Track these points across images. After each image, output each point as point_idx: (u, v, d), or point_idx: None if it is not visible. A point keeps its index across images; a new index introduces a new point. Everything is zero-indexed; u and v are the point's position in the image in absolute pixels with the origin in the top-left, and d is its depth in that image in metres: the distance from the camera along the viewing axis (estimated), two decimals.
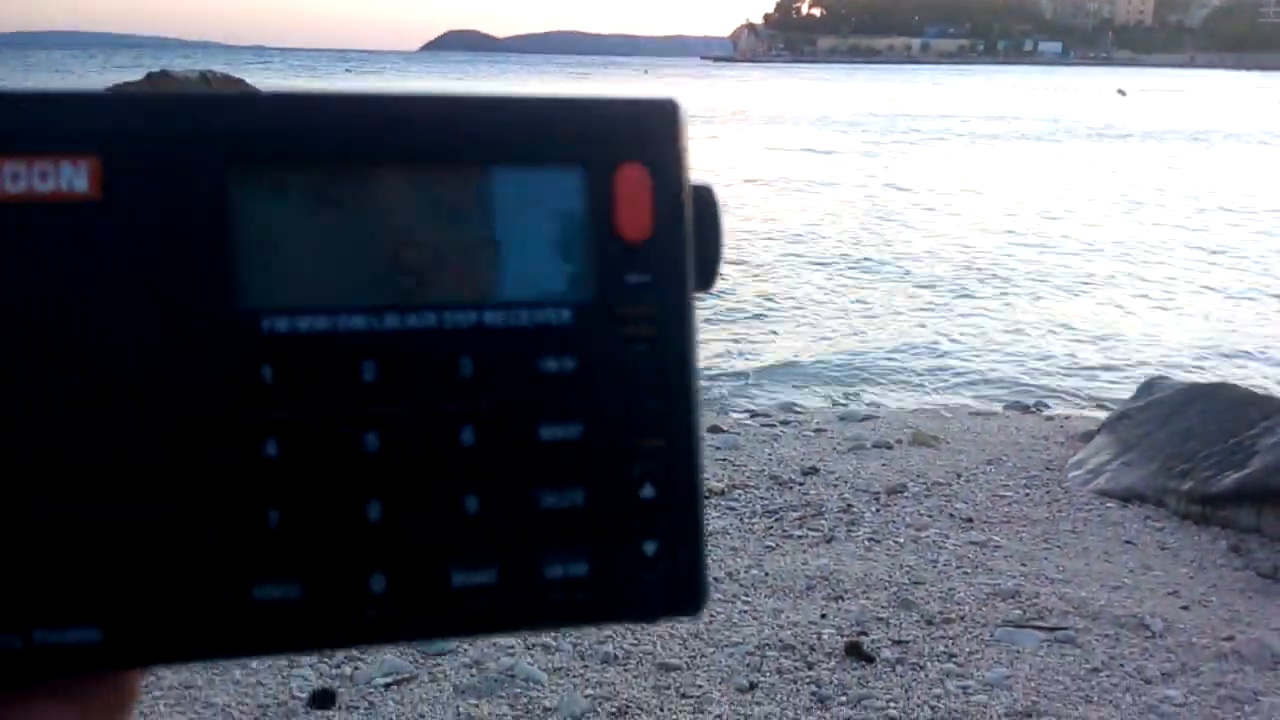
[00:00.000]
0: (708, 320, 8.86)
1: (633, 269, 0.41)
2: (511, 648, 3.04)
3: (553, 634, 3.10)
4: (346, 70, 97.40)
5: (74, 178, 0.36)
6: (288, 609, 0.38)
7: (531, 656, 3.01)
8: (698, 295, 0.43)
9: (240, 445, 0.37)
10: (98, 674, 0.37)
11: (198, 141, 0.37)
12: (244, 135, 0.38)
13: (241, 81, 23.79)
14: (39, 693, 0.36)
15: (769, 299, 9.83)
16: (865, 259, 11.87)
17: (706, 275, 0.43)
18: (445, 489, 0.39)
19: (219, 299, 0.37)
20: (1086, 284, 10.88)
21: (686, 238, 0.42)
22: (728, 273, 10.67)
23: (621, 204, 0.41)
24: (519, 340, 0.40)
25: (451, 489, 0.39)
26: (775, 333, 8.73)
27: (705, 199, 0.43)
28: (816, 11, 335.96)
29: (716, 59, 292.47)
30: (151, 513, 0.37)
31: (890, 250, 12.39)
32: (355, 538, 0.38)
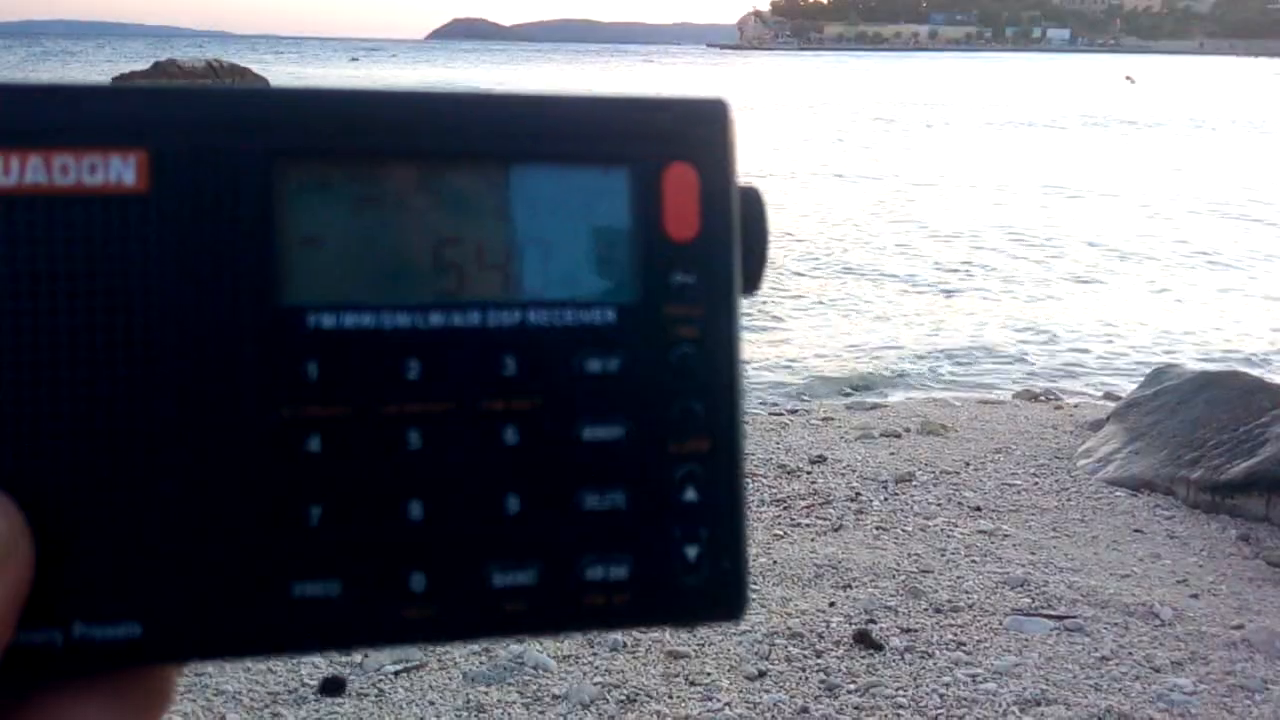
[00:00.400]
0: None
1: (679, 269, 0.41)
2: None
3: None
4: (352, 60, 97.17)
5: (123, 171, 0.36)
6: (327, 607, 0.38)
7: (540, 644, 3.01)
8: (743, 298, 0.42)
9: (283, 441, 0.37)
10: (137, 669, 0.37)
11: (245, 136, 0.37)
12: (291, 130, 0.38)
13: (248, 71, 23.82)
14: (78, 687, 0.36)
15: (778, 288, 9.83)
16: (871, 247, 11.85)
17: (752, 277, 0.43)
18: (487, 488, 0.39)
19: (265, 294, 0.37)
20: (1095, 273, 10.85)
21: (734, 239, 0.42)
22: None
23: (669, 203, 0.41)
24: (563, 339, 0.40)
25: (493, 489, 0.39)
26: (781, 324, 8.72)
27: (752, 200, 0.42)
28: None
29: (722, 46, 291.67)
30: (193, 508, 0.37)
31: (896, 237, 12.37)
32: (396, 536, 0.38)
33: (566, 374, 0.40)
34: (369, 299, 0.38)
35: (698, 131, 0.41)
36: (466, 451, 0.39)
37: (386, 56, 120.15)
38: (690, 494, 0.41)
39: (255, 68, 24.65)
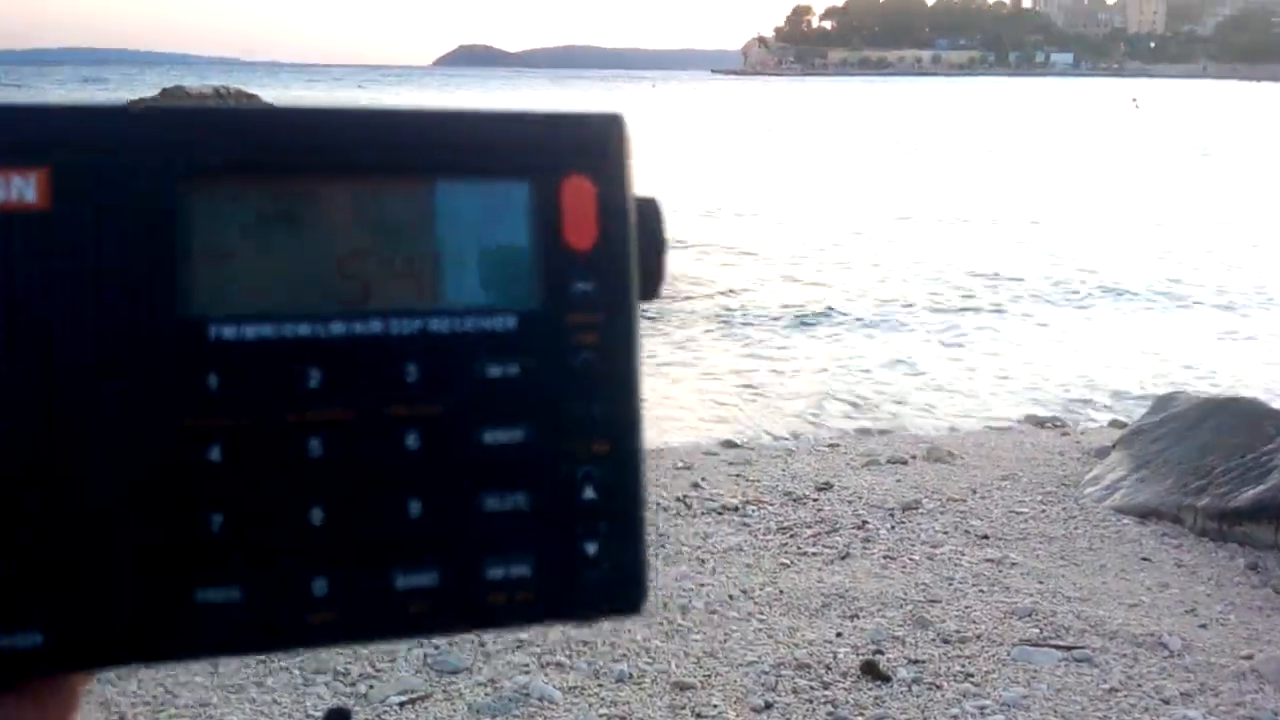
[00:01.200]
0: (728, 335, 8.89)
1: (578, 277, 0.42)
2: (526, 666, 3.04)
3: (566, 654, 3.10)
4: (359, 87, 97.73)
5: (23, 189, 0.36)
6: (230, 612, 0.38)
7: (546, 675, 3.00)
8: (642, 305, 0.44)
9: (185, 450, 0.38)
10: (40, 678, 0.37)
11: (147, 153, 0.38)
12: (193, 148, 0.38)
13: (255, 97, 23.92)
14: None
15: (793, 306, 9.84)
16: (879, 270, 11.86)
17: (650, 285, 0.44)
18: (389, 493, 0.40)
19: (166, 307, 0.38)
20: (1101, 298, 10.84)
21: (631, 248, 0.43)
22: (744, 290, 10.66)
23: (567, 214, 0.42)
24: (464, 346, 0.41)
25: (395, 493, 0.40)
26: (786, 351, 8.72)
27: (649, 211, 0.44)
28: (827, 24, 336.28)
29: (727, 72, 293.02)
30: (95, 517, 0.37)
31: (900, 263, 12.38)
32: (298, 542, 0.39)
33: (468, 380, 0.41)
34: (271, 310, 0.39)
35: (594, 145, 0.43)
36: (368, 458, 0.40)
37: (394, 81, 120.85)
38: (590, 493, 0.42)
39: (263, 94, 24.77)
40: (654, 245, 0.44)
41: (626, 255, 0.43)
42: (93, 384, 0.37)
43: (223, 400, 0.38)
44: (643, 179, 0.43)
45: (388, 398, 0.40)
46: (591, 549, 0.42)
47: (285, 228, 0.39)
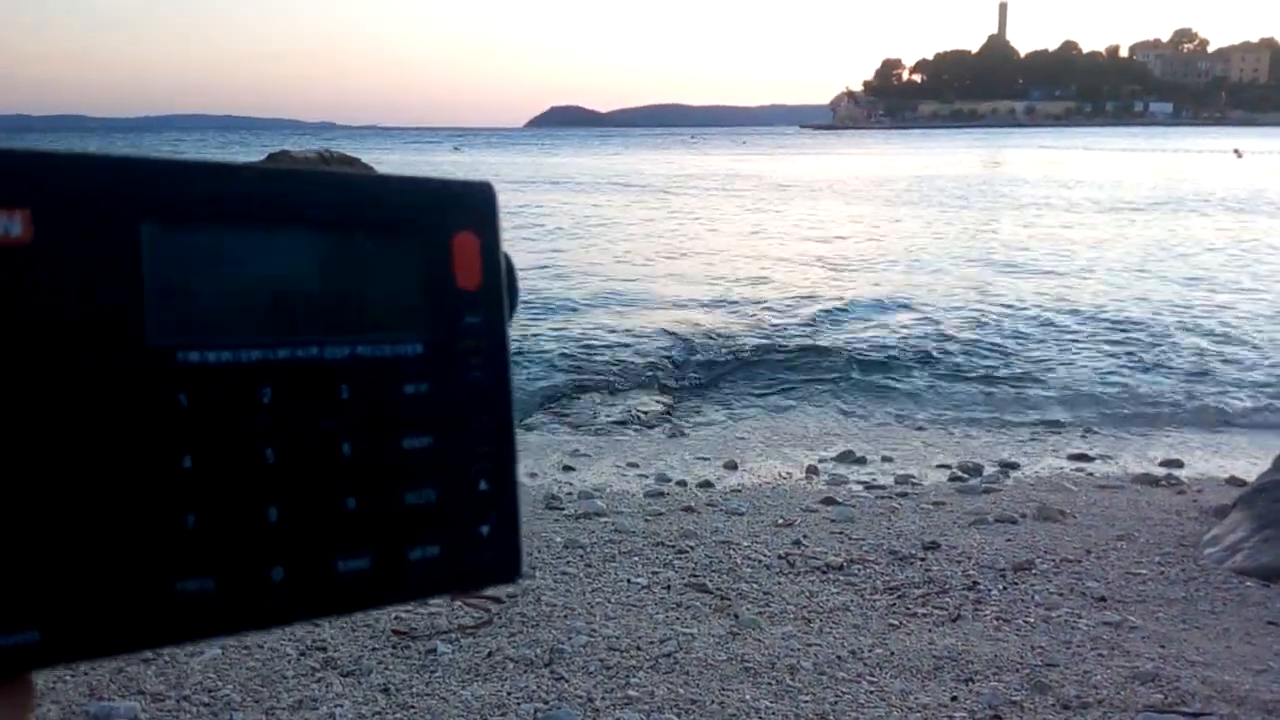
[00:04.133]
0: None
1: (468, 312, 0.51)
2: None
3: (675, 712, 3.09)
4: (455, 149, 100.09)
5: (9, 225, 0.40)
6: (204, 600, 0.43)
7: None
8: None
9: (160, 460, 0.42)
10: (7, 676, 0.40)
11: (116, 197, 0.43)
12: (155, 194, 0.43)
13: (357, 160, 24.67)
14: None
15: (888, 366, 9.75)
16: (970, 325, 11.70)
17: (510, 314, 0.54)
18: (330, 493, 0.46)
19: (138, 334, 0.42)
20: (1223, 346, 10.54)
21: (504, 288, 0.53)
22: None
23: (458, 262, 0.51)
24: (384, 368, 0.48)
25: (335, 492, 0.46)
26: (891, 400, 8.62)
27: (508, 261, 0.54)
28: (917, 77, 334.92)
29: (816, 127, 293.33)
30: (84, 522, 0.41)
31: (1020, 319, 12.20)
32: (258, 536, 0.44)
33: (388, 396, 0.48)
34: (228, 337, 0.44)
35: (476, 207, 0.52)
36: (312, 463, 0.46)
37: (485, 143, 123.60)
38: (483, 485, 0.51)
39: (364, 157, 25.51)
40: (513, 287, 0.54)
41: (502, 294, 0.52)
42: (77, 401, 0.41)
43: (191, 416, 0.43)
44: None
45: (326, 412, 0.46)
46: (485, 531, 0.51)
47: (237, 266, 0.45)
